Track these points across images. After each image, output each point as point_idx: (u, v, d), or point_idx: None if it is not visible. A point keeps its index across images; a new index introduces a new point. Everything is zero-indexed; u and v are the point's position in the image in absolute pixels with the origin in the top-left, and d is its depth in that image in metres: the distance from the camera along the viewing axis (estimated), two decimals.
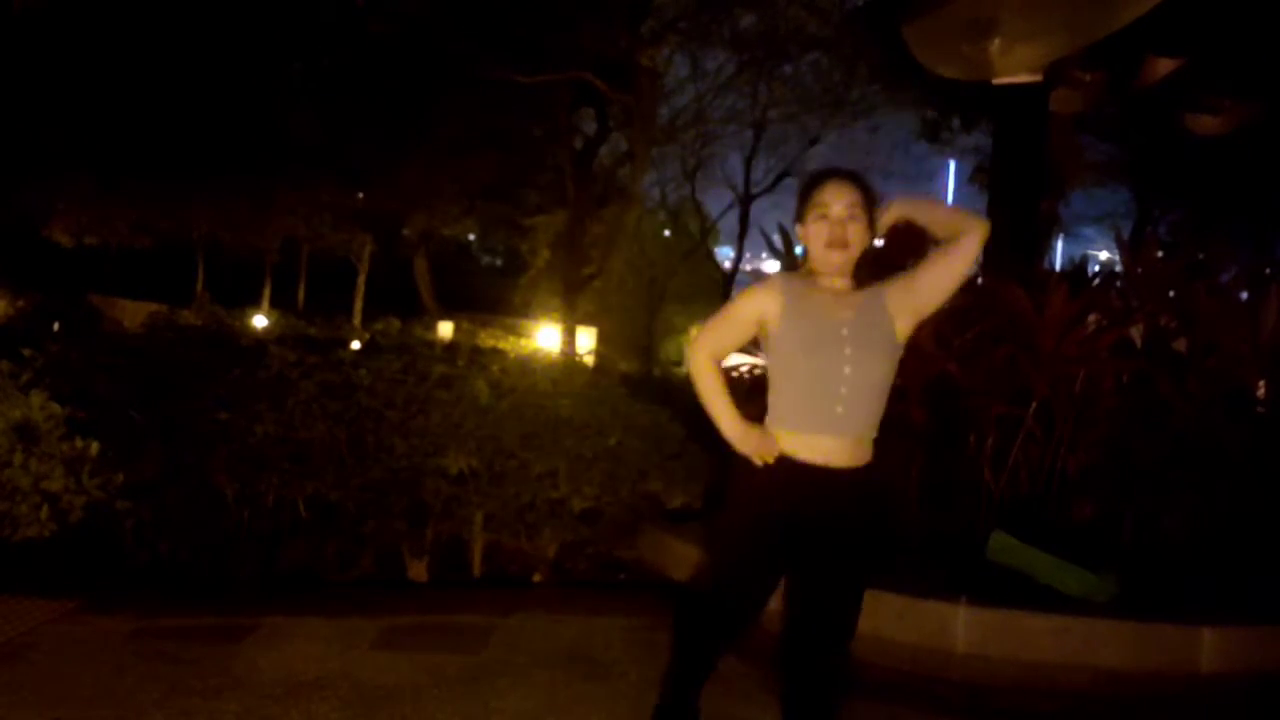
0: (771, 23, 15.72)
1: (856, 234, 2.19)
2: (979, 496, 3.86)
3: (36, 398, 3.90)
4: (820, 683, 2.28)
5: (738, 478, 2.26)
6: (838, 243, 2.18)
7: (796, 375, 2.19)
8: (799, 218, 2.26)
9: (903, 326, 2.21)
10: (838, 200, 2.18)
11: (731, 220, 21.69)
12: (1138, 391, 3.95)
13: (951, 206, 2.20)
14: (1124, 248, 4.30)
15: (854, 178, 2.23)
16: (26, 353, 4.32)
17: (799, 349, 2.18)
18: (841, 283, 2.24)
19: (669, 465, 4.40)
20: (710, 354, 2.27)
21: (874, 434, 2.22)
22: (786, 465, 2.18)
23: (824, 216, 2.18)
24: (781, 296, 2.21)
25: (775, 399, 2.24)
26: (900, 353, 2.22)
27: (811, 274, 2.27)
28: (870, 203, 2.22)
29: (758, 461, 2.20)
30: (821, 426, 2.16)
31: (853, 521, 2.19)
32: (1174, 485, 3.81)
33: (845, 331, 2.16)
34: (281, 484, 4.12)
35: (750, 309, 2.24)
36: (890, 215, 2.24)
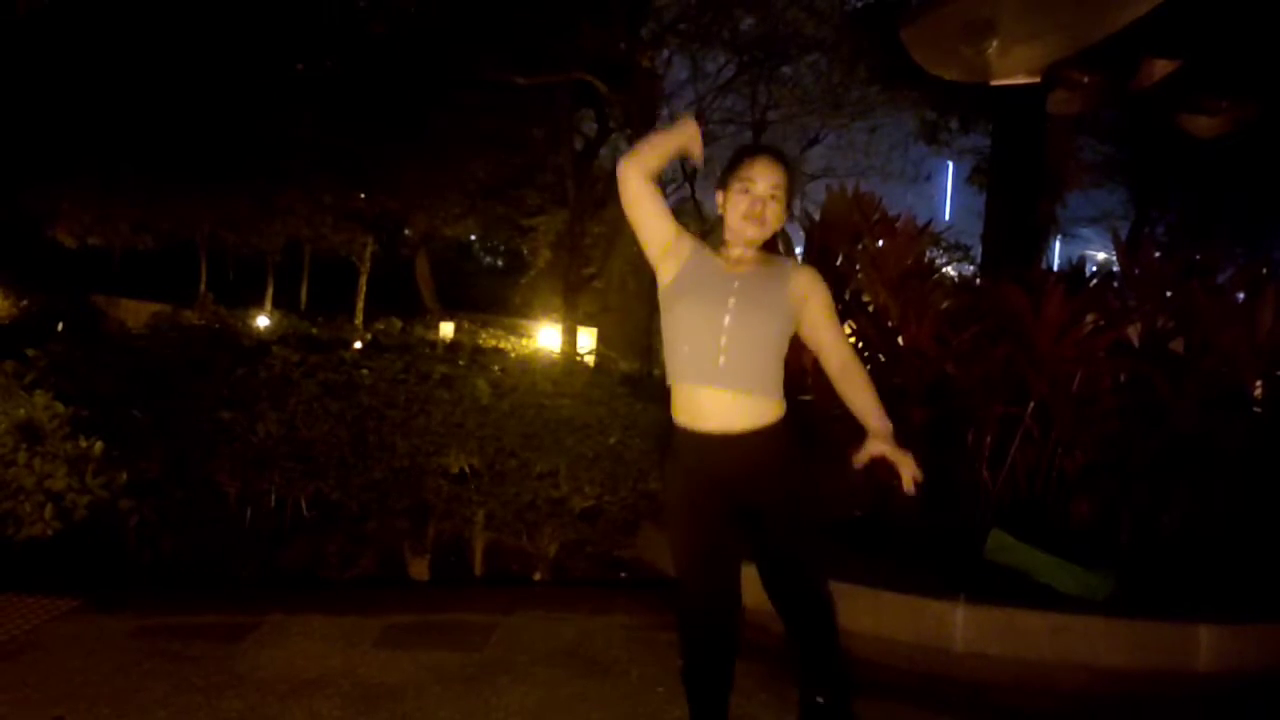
0: (771, 24, 15.74)
1: (774, 214, 2.25)
2: (977, 496, 3.88)
3: (40, 397, 3.92)
4: (810, 625, 2.30)
5: (666, 462, 2.33)
6: (755, 218, 2.23)
7: (681, 325, 2.24)
8: (722, 184, 2.30)
9: (794, 315, 2.26)
10: (764, 178, 2.24)
11: None
12: (1135, 391, 3.96)
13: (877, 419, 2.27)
14: (1121, 248, 4.31)
15: (783, 159, 2.29)
16: (30, 352, 4.34)
17: (684, 296, 2.24)
18: (746, 254, 2.29)
19: None
20: (641, 168, 2.26)
21: (769, 397, 2.22)
22: (686, 437, 2.24)
23: (747, 191, 2.24)
24: (690, 246, 2.29)
25: (667, 353, 2.29)
26: (791, 326, 2.26)
27: (722, 243, 2.33)
28: (793, 188, 2.29)
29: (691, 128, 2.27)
30: (703, 377, 2.20)
31: (762, 477, 2.23)
32: (1171, 485, 3.83)
33: (735, 284, 2.22)
34: (284, 483, 4.14)
35: (669, 221, 2.28)
36: (867, 453, 2.25)
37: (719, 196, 2.32)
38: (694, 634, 2.40)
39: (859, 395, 2.27)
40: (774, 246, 2.33)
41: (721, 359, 2.18)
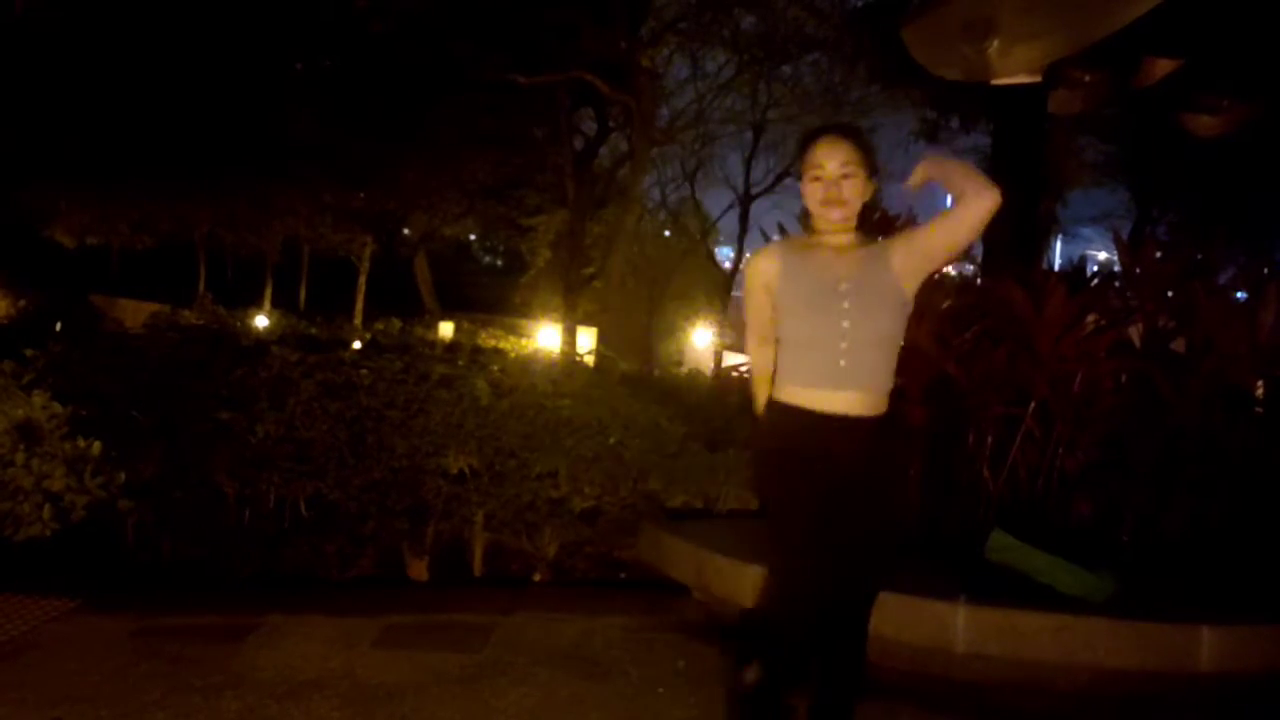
0: (771, 23, 15.74)
1: (853, 190, 2.23)
2: (978, 496, 3.87)
3: (39, 397, 3.91)
4: (839, 683, 2.30)
5: (762, 459, 2.31)
6: (834, 200, 2.22)
7: (798, 333, 2.25)
8: (799, 175, 2.30)
9: (910, 285, 2.24)
10: (831, 158, 2.22)
11: (731, 220, 21.75)
12: (1136, 391, 3.95)
13: (972, 172, 2.19)
14: (1123, 248, 4.30)
15: (848, 133, 2.27)
16: (29, 353, 4.33)
17: (798, 306, 2.24)
18: (843, 239, 2.27)
19: (669, 464, 4.40)
20: (758, 343, 2.37)
21: (887, 386, 2.24)
22: (801, 415, 2.22)
23: (819, 177, 2.23)
24: (779, 259, 2.29)
25: (782, 356, 2.29)
26: (910, 308, 2.25)
27: (813, 234, 2.32)
28: (868, 156, 2.25)
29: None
30: (825, 381, 2.20)
31: (874, 465, 2.22)
32: (1173, 485, 3.82)
33: (844, 287, 2.20)
34: (283, 483, 4.13)
35: (756, 282, 2.32)
36: (919, 175, 2.26)
37: (801, 188, 2.30)
38: (795, 627, 2.26)
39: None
40: (868, 217, 2.36)
41: (842, 361, 2.19)
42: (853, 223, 2.27)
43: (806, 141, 2.29)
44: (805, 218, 2.37)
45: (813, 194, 2.24)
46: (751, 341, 2.40)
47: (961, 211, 2.16)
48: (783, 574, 2.33)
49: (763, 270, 2.30)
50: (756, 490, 2.35)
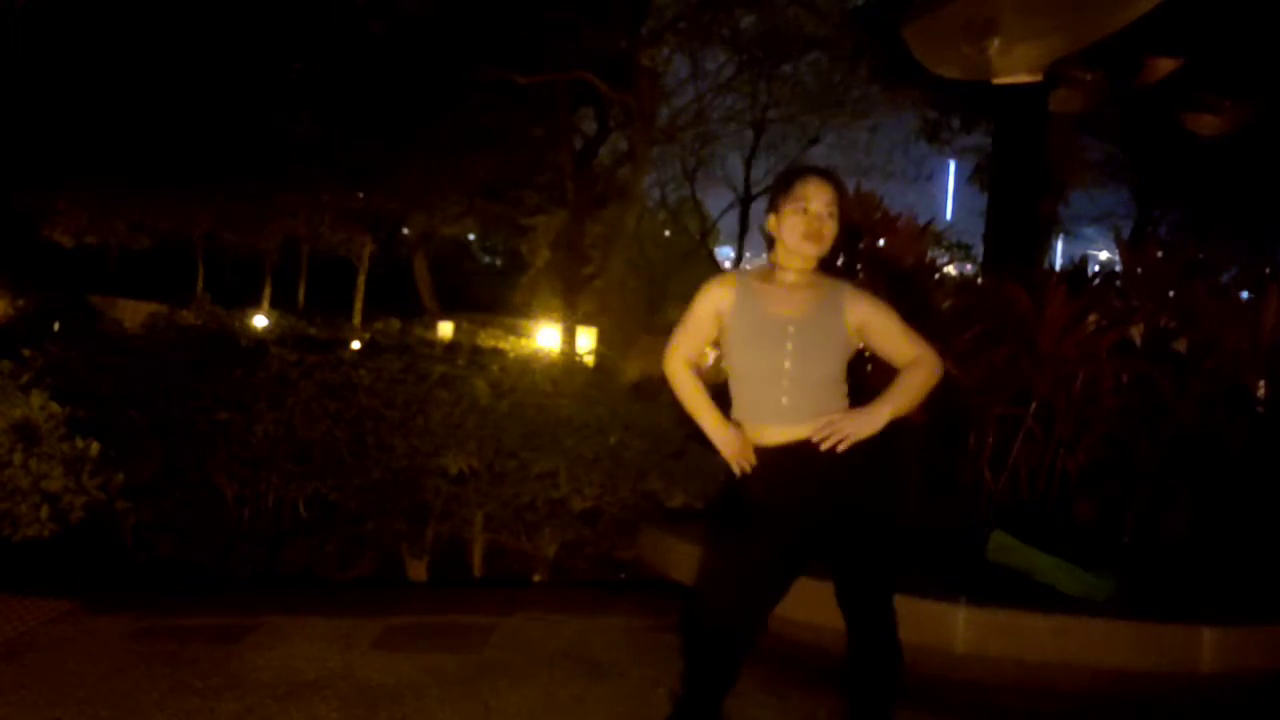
0: (771, 23, 15.72)
1: (831, 230, 2.27)
2: (979, 496, 3.86)
3: (37, 398, 3.90)
4: (878, 689, 2.31)
5: (743, 480, 2.31)
6: (814, 235, 2.25)
7: (744, 367, 2.30)
8: (774, 208, 2.32)
9: (853, 340, 2.30)
10: (817, 197, 2.26)
11: (731, 220, 21.71)
12: (1138, 391, 3.95)
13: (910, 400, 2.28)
14: (1124, 248, 4.30)
15: (833, 178, 2.32)
16: (26, 353, 4.31)
17: (744, 341, 2.28)
18: (800, 278, 2.31)
19: (669, 465, 4.40)
20: (683, 359, 2.38)
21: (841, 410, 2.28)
22: (763, 452, 2.27)
23: (804, 210, 2.26)
24: (735, 291, 2.31)
25: (732, 389, 2.35)
26: (850, 352, 2.30)
27: (773, 268, 2.35)
28: (844, 205, 2.32)
29: (735, 469, 2.29)
30: (768, 417, 2.27)
31: (854, 475, 2.23)
32: (1174, 485, 3.82)
33: (791, 329, 2.24)
34: (281, 484, 4.12)
35: (707, 306, 2.34)
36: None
37: (770, 220, 2.34)
38: (723, 639, 2.33)
39: (901, 377, 2.27)
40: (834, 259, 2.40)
41: (784, 399, 2.24)
42: (816, 263, 2.31)
43: (792, 177, 2.32)
44: (770, 250, 2.38)
45: (794, 227, 2.26)
46: (676, 360, 2.37)
47: (906, 373, 2.27)
48: (734, 581, 2.33)
49: (718, 298, 2.32)
50: (745, 496, 2.34)
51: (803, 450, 2.23)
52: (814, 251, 2.27)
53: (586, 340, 16.51)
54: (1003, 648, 3.18)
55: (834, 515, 2.25)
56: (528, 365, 5.10)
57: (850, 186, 4.46)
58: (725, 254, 24.89)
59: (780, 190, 2.31)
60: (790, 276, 2.31)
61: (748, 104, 18.36)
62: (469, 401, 4.24)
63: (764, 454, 2.28)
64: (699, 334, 2.37)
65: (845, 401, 2.30)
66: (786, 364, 2.23)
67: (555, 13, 12.59)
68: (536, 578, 4.41)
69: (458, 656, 3.15)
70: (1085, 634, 3.16)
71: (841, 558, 2.30)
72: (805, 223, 2.25)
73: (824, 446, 2.20)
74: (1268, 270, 4.24)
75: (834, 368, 2.28)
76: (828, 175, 2.32)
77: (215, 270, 22.14)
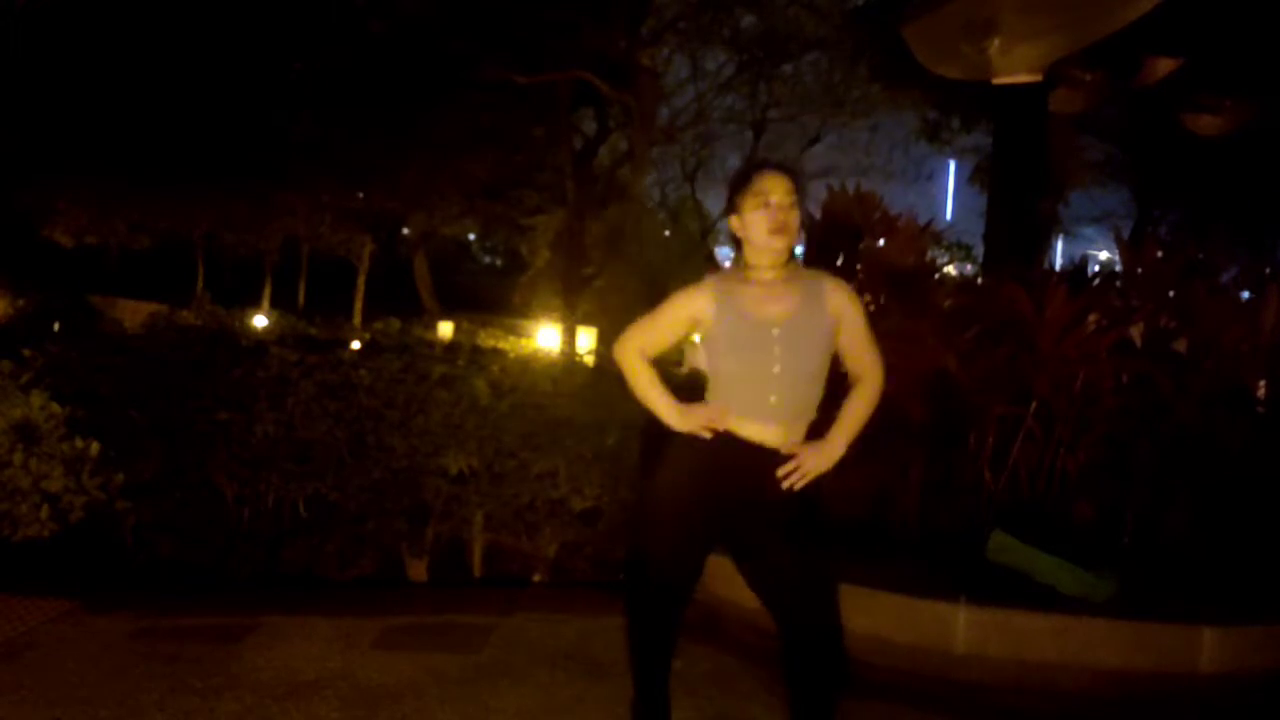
0: (771, 22, 15.71)
1: (795, 221, 2.26)
2: (978, 496, 3.86)
3: (37, 398, 3.90)
4: (813, 680, 2.28)
5: (674, 450, 2.33)
6: (781, 229, 2.23)
7: (730, 370, 2.29)
8: (734, 209, 2.30)
9: (833, 337, 2.31)
10: (777, 189, 2.25)
11: None
12: (1138, 391, 3.95)
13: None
14: (1124, 247, 4.30)
15: (788, 169, 2.32)
16: (27, 353, 4.31)
17: (728, 350, 2.27)
18: (775, 274, 2.29)
19: None
20: (639, 350, 2.37)
21: (811, 418, 2.31)
22: (723, 437, 2.27)
23: (766, 205, 2.24)
24: (714, 297, 2.29)
25: (713, 388, 2.34)
26: (833, 347, 2.31)
27: (746, 268, 2.33)
28: (803, 195, 2.31)
29: (706, 434, 2.28)
30: (755, 414, 2.26)
31: (774, 494, 2.25)
32: (1174, 485, 3.81)
33: (776, 331, 2.23)
34: (281, 484, 4.13)
35: (682, 311, 2.34)
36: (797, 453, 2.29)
37: (734, 222, 2.32)
38: (655, 616, 2.43)
39: (849, 406, 2.32)
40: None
41: (773, 398, 2.25)
42: (786, 257, 2.30)
43: (749, 173, 2.31)
44: (738, 251, 2.37)
45: (759, 222, 2.25)
46: (630, 349, 2.36)
47: (857, 399, 2.32)
48: (650, 564, 2.40)
49: (696, 307, 2.31)
50: (647, 477, 2.38)
51: (762, 457, 2.25)
52: (782, 245, 2.26)
53: (586, 340, 16.50)
54: (1003, 648, 3.18)
55: (737, 510, 2.28)
56: (528, 365, 5.10)
57: (850, 186, 4.48)
58: (725, 254, 24.84)
59: (738, 188, 2.30)
60: (767, 274, 2.29)
61: (748, 104, 18.35)
62: (469, 401, 4.24)
63: (727, 441, 2.27)
64: (664, 334, 2.37)
65: (822, 393, 2.31)
66: (776, 368, 2.23)
67: (555, 13, 12.58)
68: (536, 578, 4.41)
69: (458, 656, 3.15)
70: (1085, 634, 3.16)
71: (748, 545, 2.32)
72: (769, 215, 2.23)
73: (785, 485, 2.23)
74: (1268, 270, 4.24)
75: (821, 362, 2.29)
76: (783, 166, 2.32)
77: (215, 270, 22.12)
